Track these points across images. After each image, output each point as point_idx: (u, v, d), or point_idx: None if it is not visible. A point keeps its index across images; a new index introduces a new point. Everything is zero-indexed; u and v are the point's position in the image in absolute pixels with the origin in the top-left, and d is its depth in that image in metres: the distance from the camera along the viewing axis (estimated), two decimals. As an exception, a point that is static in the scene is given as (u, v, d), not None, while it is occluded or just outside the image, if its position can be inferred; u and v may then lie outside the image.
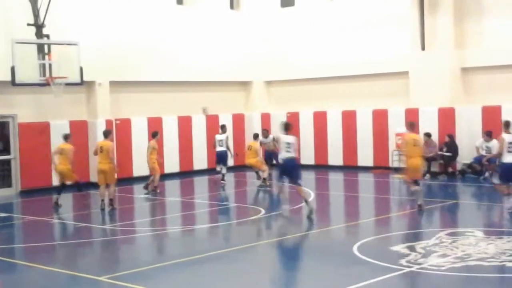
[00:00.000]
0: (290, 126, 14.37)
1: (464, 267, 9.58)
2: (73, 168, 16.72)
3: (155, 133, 18.98)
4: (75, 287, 9.66)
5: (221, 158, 20.15)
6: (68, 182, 16.83)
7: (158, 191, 18.39)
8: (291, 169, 13.83)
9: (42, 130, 19.80)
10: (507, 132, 13.97)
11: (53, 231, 14.39)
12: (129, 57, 21.25)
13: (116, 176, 16.37)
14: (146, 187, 18.52)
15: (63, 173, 16.60)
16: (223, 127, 20.65)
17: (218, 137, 20.27)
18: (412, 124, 15.20)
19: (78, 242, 12.68)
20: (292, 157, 13.79)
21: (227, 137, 20.36)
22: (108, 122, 20.93)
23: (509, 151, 13.69)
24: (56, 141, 19.78)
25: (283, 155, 13.78)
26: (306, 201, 14.05)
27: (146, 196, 17.96)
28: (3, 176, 19.23)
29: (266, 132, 20.77)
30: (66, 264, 11.14)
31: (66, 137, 16.85)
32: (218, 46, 23.88)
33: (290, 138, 13.92)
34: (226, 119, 23.93)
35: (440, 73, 20.72)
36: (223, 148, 20.11)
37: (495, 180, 14.52)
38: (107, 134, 16.43)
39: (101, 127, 20.65)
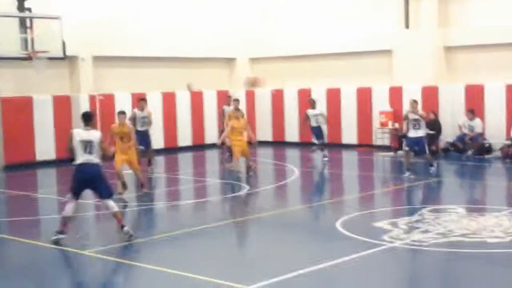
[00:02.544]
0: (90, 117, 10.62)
1: (446, 243, 9.70)
2: None
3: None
4: (60, 261, 9.67)
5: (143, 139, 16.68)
6: None
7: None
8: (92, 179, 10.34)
9: (24, 105, 19.63)
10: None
11: (37, 205, 14.34)
12: (113, 32, 21.07)
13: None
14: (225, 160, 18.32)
15: None
16: (143, 100, 17.55)
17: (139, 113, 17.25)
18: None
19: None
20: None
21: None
22: (91, 98, 20.82)
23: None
24: (39, 116, 19.73)
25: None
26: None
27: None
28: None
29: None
30: (50, 238, 11.13)
31: None
32: (203, 22, 23.73)
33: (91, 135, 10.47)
34: (210, 96, 23.91)
35: (423, 51, 20.78)
36: (144, 128, 17.16)
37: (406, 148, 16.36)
38: None
39: (84, 103, 20.56)
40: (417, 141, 15.99)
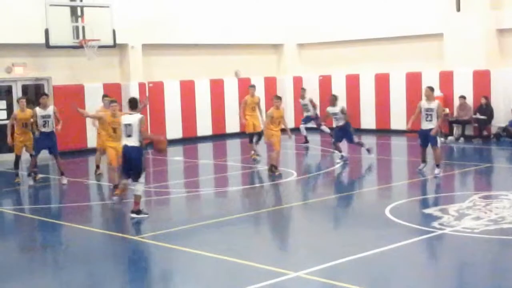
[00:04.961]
0: (137, 102, 11.35)
1: (497, 230, 9.54)
2: None
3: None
4: (110, 246, 9.86)
5: None
6: None
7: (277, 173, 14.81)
8: (131, 160, 11.01)
9: (76, 93, 20.01)
10: None
11: (89, 192, 14.64)
12: (162, 20, 21.25)
13: None
14: (272, 170, 14.89)
15: None
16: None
17: (41, 111, 14.71)
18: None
19: (113, 203, 12.88)
20: (133, 146, 10.98)
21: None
22: (141, 85, 21.07)
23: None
24: (91, 104, 20.06)
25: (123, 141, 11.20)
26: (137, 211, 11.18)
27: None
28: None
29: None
30: (102, 224, 11.37)
31: None
32: (250, 9, 23.72)
33: (132, 118, 11.08)
34: (258, 82, 23.91)
35: (475, 34, 20.32)
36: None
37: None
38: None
39: (134, 90, 20.84)
40: (426, 134, 14.08)
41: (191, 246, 9.29)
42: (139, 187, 10.98)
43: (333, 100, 16.91)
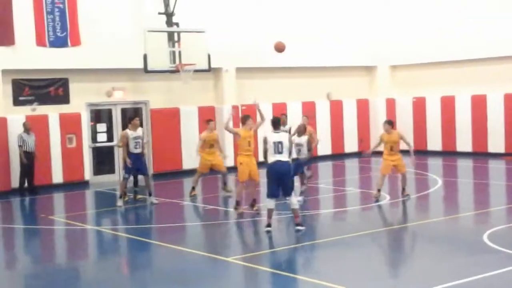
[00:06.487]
0: (280, 122, 12.20)
1: None
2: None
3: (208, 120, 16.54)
4: (204, 266, 10.02)
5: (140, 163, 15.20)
6: None
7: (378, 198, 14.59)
8: (283, 175, 11.54)
9: (172, 115, 20.58)
10: None
11: (184, 212, 14.96)
12: (254, 44, 21.54)
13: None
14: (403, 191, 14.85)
15: None
16: (131, 120, 15.39)
17: (132, 133, 14.97)
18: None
19: (207, 224, 13.12)
20: (285, 161, 11.58)
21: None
22: (234, 108, 21.39)
23: None
24: (186, 127, 20.58)
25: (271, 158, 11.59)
26: (299, 225, 11.64)
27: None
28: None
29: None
30: (196, 244, 11.58)
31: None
32: (343, 31, 23.70)
33: (282, 137, 11.73)
34: (350, 104, 23.84)
35: None
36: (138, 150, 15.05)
37: None
38: None
39: (228, 113, 21.14)
40: None
41: (283, 269, 9.31)
42: (293, 200, 11.58)
43: (300, 129, 15.40)
